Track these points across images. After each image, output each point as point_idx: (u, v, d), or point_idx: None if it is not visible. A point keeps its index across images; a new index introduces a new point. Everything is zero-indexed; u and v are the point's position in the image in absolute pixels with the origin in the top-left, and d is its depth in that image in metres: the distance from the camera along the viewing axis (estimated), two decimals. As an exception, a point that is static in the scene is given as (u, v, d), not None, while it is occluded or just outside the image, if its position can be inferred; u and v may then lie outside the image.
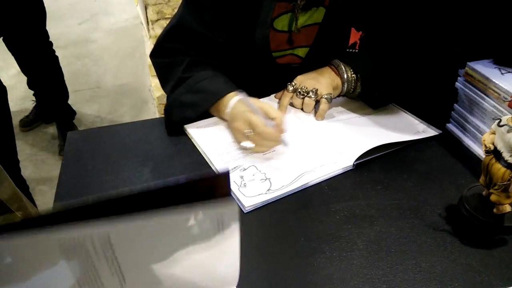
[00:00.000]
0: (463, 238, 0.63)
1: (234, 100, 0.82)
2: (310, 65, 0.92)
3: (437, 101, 0.92)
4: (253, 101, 0.80)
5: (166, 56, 0.91)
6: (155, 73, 2.62)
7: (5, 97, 1.21)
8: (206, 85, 0.84)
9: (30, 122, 2.36)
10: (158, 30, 2.14)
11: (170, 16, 2.07)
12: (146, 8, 2.12)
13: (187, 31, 0.87)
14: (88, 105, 2.61)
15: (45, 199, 1.93)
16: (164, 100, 2.33)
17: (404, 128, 0.86)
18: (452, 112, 0.85)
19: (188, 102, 0.85)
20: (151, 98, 2.62)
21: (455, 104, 0.84)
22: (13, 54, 2.01)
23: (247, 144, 0.78)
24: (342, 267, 0.59)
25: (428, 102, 0.93)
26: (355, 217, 0.67)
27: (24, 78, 2.21)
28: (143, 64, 2.99)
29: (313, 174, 0.75)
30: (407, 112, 0.91)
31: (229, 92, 0.83)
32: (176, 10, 0.89)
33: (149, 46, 2.42)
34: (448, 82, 0.86)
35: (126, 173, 0.78)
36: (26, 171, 1.40)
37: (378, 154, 0.79)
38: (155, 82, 2.27)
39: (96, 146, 0.85)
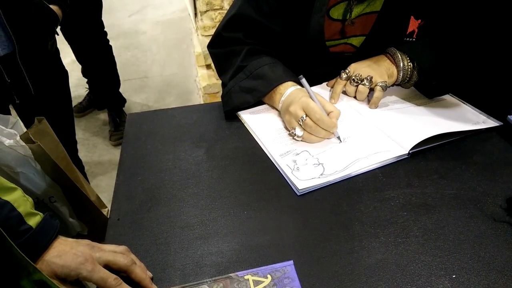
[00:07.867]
0: (525, 231, 0.61)
1: (291, 89, 0.83)
2: (364, 54, 0.91)
3: (498, 92, 0.89)
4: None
5: (224, 46, 0.93)
6: (201, 64, 2.65)
7: (66, 80, 1.29)
8: (266, 71, 0.86)
9: (83, 108, 2.49)
10: (206, 21, 2.18)
11: (218, 7, 2.10)
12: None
13: (246, 20, 0.89)
14: (137, 94, 2.70)
15: (96, 181, 2.03)
16: (210, 90, 2.37)
17: (462, 118, 0.83)
18: (514, 103, 0.81)
19: (247, 87, 0.86)
20: (196, 88, 2.67)
21: (518, 95, 0.80)
22: (69, 43, 2.11)
23: (298, 131, 0.79)
24: (397, 252, 0.59)
25: (488, 93, 0.90)
26: (411, 205, 0.66)
27: (77, 67, 2.32)
28: (189, 55, 3.06)
29: (366, 161, 0.74)
30: (466, 103, 0.88)
31: (287, 81, 0.84)
32: (225, 1, 0.91)
33: (196, 37, 2.47)
34: (510, 72, 0.82)
35: (182, 153, 0.80)
36: (79, 154, 1.48)
37: (434, 144, 0.77)
38: (201, 72, 2.31)
39: (153, 127, 0.89)
